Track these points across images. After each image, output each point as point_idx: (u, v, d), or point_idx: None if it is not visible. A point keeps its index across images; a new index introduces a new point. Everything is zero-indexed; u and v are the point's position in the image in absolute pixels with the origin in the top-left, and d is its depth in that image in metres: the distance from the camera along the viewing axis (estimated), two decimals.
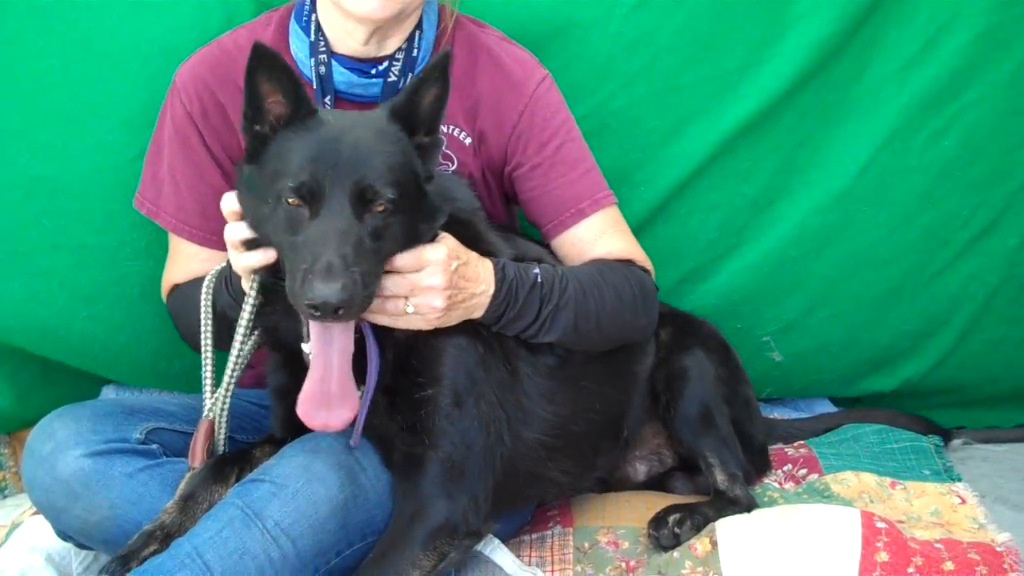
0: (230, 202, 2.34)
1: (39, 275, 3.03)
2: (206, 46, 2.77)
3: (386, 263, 2.26)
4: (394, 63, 2.67)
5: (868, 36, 3.12)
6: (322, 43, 2.65)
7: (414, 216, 2.29)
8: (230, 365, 2.44)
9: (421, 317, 2.33)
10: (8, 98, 2.96)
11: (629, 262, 2.75)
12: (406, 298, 2.30)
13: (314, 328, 2.23)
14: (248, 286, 2.38)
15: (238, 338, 2.42)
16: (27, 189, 2.99)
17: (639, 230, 3.10)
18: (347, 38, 2.64)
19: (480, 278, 2.41)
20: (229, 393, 2.46)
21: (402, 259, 2.28)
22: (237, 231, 2.32)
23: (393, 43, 2.67)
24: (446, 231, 2.39)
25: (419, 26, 2.70)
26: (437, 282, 2.30)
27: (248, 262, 2.31)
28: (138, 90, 2.93)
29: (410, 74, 2.67)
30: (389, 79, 2.67)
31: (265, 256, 2.28)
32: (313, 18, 2.68)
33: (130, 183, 2.86)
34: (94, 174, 2.98)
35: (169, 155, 2.76)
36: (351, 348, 2.24)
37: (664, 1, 3.04)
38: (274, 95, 2.26)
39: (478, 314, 2.44)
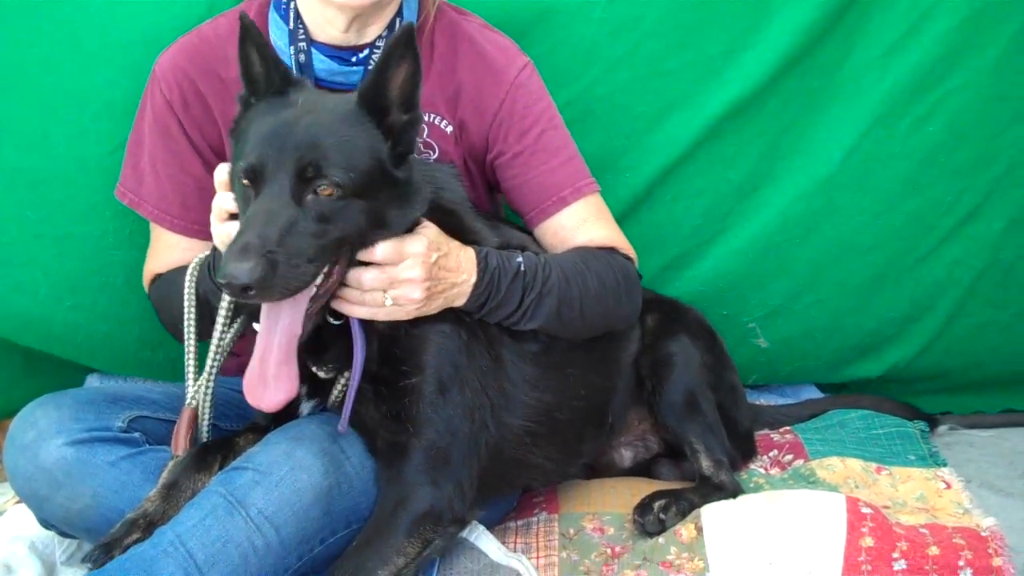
0: (221, 172, 2.34)
1: (22, 265, 3.01)
2: (186, 35, 2.75)
3: (342, 247, 2.22)
4: (375, 51, 2.65)
5: (851, 22, 3.11)
6: (301, 31, 2.63)
7: (378, 201, 2.25)
8: (212, 352, 2.43)
9: (400, 308, 2.33)
10: None
11: (612, 250, 2.74)
12: (384, 291, 2.30)
13: (263, 309, 2.22)
14: None
15: (219, 325, 2.41)
16: (9, 179, 2.97)
17: (624, 217, 3.10)
18: (327, 26, 2.62)
19: (461, 267, 2.40)
20: (212, 380, 2.44)
21: (382, 250, 2.26)
22: (225, 200, 2.31)
23: (373, 31, 2.65)
24: (431, 219, 2.37)
25: (399, 14, 2.68)
26: (416, 274, 2.29)
27: (230, 231, 2.27)
28: (121, 79, 2.91)
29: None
30: (370, 67, 2.64)
31: None
32: (292, 6, 2.65)
33: (113, 172, 2.84)
34: (77, 164, 2.97)
35: (150, 145, 2.75)
36: (297, 331, 2.21)
37: None
38: (262, 68, 2.29)
39: (460, 302, 2.43)
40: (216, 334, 2.41)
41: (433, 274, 2.32)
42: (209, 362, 2.43)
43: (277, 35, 2.67)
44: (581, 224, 2.72)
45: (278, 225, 2.11)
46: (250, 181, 2.20)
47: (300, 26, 2.63)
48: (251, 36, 2.29)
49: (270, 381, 2.20)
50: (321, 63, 2.64)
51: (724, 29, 3.09)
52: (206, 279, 2.48)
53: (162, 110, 2.71)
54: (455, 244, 2.40)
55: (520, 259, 2.50)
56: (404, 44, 2.23)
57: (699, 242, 3.33)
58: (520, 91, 2.72)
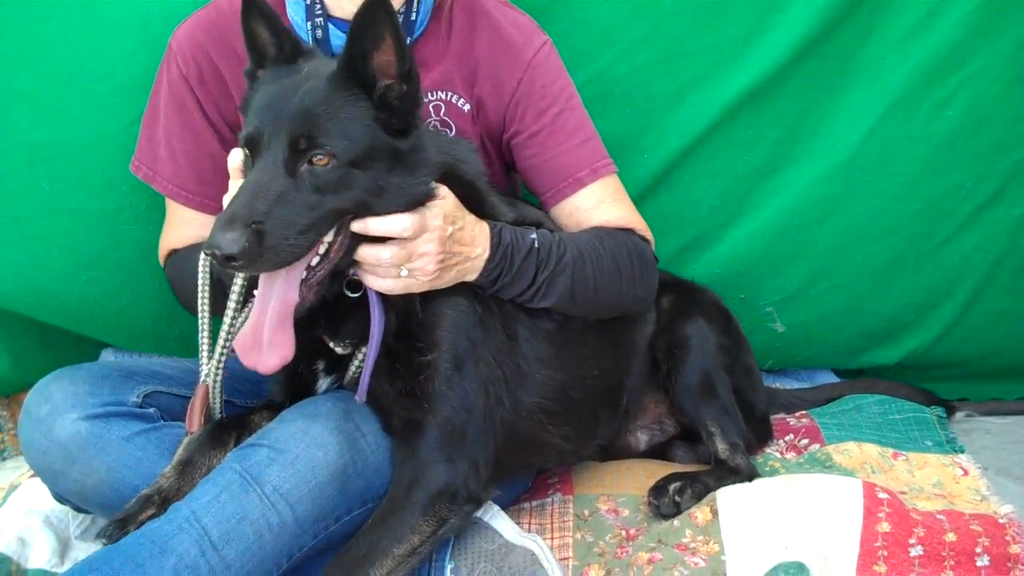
0: (235, 158, 2.33)
1: (38, 239, 3.00)
2: (203, 8, 2.72)
3: (340, 217, 2.20)
4: None
5: (872, 4, 3.09)
6: (318, 6, 2.60)
7: (377, 171, 2.23)
8: (224, 329, 2.41)
9: (414, 280, 2.31)
10: (9, 62, 2.92)
11: (629, 231, 2.71)
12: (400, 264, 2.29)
13: (260, 277, 2.21)
14: None
15: (232, 303, 2.38)
16: (27, 153, 2.96)
17: (641, 198, 3.09)
18: (344, 1, 2.59)
19: (476, 241, 2.38)
20: (223, 356, 2.42)
21: (405, 223, 2.22)
22: (238, 157, 2.31)
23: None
24: (452, 189, 2.35)
25: None
26: (431, 248, 2.27)
27: None
28: (138, 53, 2.89)
29: (408, 38, 2.60)
30: None
31: None
32: None
33: (129, 147, 2.82)
34: (94, 138, 2.95)
35: (165, 120, 2.73)
36: (293, 300, 2.20)
37: None
38: (269, 40, 2.28)
39: (471, 277, 2.41)
40: (229, 312, 2.39)
41: (447, 248, 2.31)
42: (221, 339, 2.41)
43: (294, 10, 2.64)
44: (598, 205, 2.70)
45: (268, 196, 2.11)
46: (249, 151, 2.20)
47: (317, 1, 2.60)
48: (256, 6, 2.28)
49: (265, 346, 2.19)
50: (338, 39, 2.61)
51: (744, 10, 3.07)
52: None
53: (178, 84, 2.69)
54: (471, 218, 2.38)
55: (534, 236, 2.49)
56: (371, 20, 2.17)
57: (717, 224, 3.31)
58: (538, 70, 2.69)
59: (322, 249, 2.20)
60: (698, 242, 3.33)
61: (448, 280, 2.37)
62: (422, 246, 2.26)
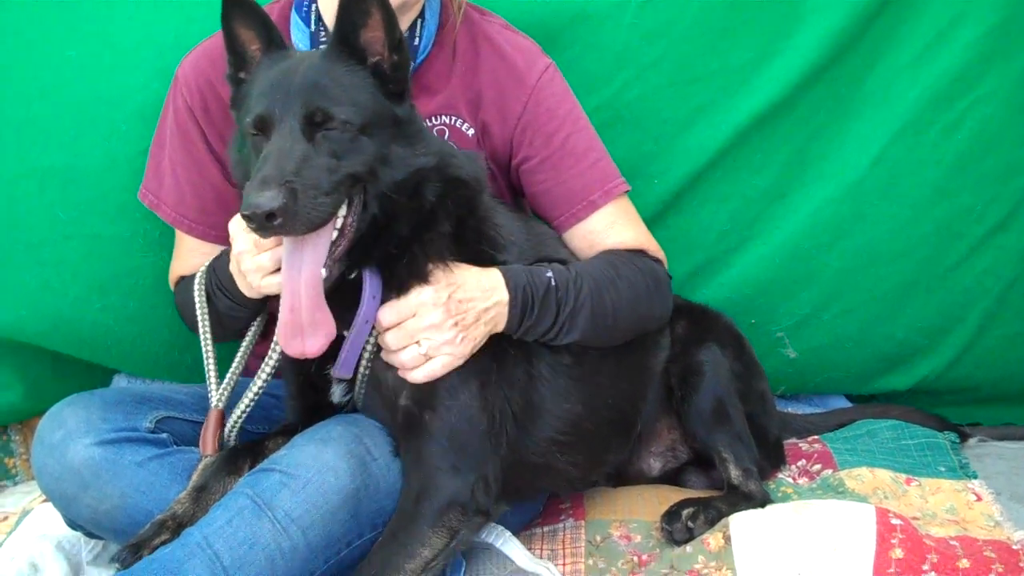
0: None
1: (52, 266, 3.00)
2: (209, 38, 2.73)
3: (355, 184, 2.21)
4: None
5: (880, 30, 3.08)
6: (323, 33, 2.60)
7: (383, 138, 2.25)
8: (237, 359, 2.45)
9: (446, 356, 2.33)
10: (26, 90, 2.94)
11: (641, 252, 2.70)
12: (418, 343, 2.31)
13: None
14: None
15: (254, 325, 2.40)
16: (41, 179, 2.96)
17: (652, 222, 3.05)
18: None
19: (485, 291, 2.38)
20: (234, 380, 2.45)
21: (386, 316, 2.29)
22: (263, 259, 2.31)
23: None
24: (444, 188, 2.34)
25: (421, 15, 2.65)
26: (435, 319, 2.30)
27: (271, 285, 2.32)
28: (152, 81, 2.89)
29: (412, 63, 2.57)
30: None
31: None
32: (313, 8, 2.63)
33: (142, 174, 2.82)
34: (107, 164, 2.95)
35: (171, 149, 2.73)
36: (321, 273, 2.19)
37: None
38: (252, 40, 2.29)
39: (502, 324, 2.41)
40: (245, 341, 2.41)
41: (454, 311, 2.31)
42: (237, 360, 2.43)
43: (298, 37, 2.64)
44: (610, 227, 2.68)
45: (293, 159, 2.12)
46: (259, 130, 2.21)
47: (321, 28, 2.60)
48: (237, 5, 2.28)
49: (306, 328, 2.18)
50: None
51: (753, 35, 3.06)
52: (213, 289, 2.51)
53: (183, 114, 2.70)
54: (471, 273, 2.38)
55: (550, 274, 2.47)
56: None
57: (727, 248, 3.29)
58: (543, 94, 2.67)
59: (338, 224, 2.20)
60: (708, 266, 3.31)
61: (480, 335, 2.38)
62: (423, 321, 2.29)
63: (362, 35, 2.25)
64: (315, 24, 2.62)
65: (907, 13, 3.07)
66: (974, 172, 3.21)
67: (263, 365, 2.43)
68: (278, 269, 2.29)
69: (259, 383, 2.44)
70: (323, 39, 2.60)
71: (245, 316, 2.57)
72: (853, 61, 3.10)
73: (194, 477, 2.38)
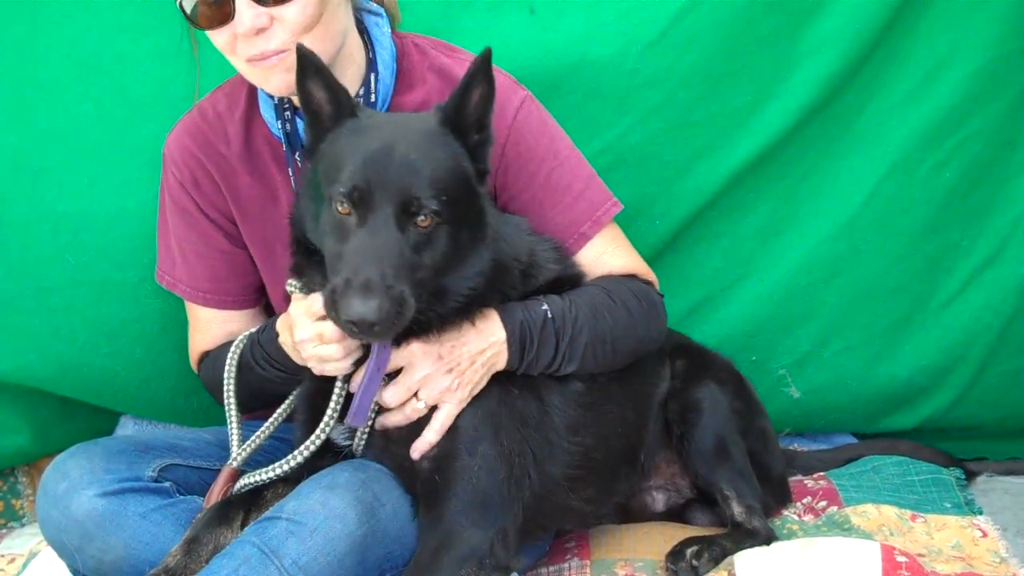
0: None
1: (61, 311, 2.90)
2: (188, 113, 2.63)
3: (435, 279, 2.14)
4: None
5: (870, 72, 3.02)
6: (286, 102, 2.46)
7: (461, 223, 2.16)
8: (269, 423, 2.39)
9: (450, 403, 2.23)
10: (44, 138, 2.87)
11: (632, 276, 2.58)
12: (416, 395, 2.23)
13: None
14: (338, 389, 2.27)
15: (332, 404, 2.28)
16: (53, 225, 2.88)
17: (651, 261, 2.93)
18: None
19: (485, 331, 2.27)
20: (258, 443, 2.38)
21: (390, 397, 2.24)
22: (332, 351, 2.20)
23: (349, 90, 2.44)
24: (493, 274, 2.26)
25: (373, 68, 2.49)
26: (427, 369, 2.21)
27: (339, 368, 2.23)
28: (163, 132, 2.75)
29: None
30: None
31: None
32: None
33: (152, 221, 2.73)
34: (118, 212, 2.87)
35: (173, 227, 2.64)
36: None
37: (677, 40, 2.91)
38: (322, 97, 2.18)
39: (502, 363, 2.30)
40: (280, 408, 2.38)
41: (447, 357, 2.22)
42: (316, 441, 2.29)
43: (265, 108, 2.52)
44: (602, 255, 2.56)
45: (392, 259, 2.02)
46: (351, 208, 2.07)
47: (286, 100, 2.46)
48: (311, 63, 2.15)
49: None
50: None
51: (750, 80, 2.98)
52: (261, 356, 2.40)
53: (177, 192, 2.60)
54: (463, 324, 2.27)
55: (545, 306, 2.35)
56: (484, 68, 2.14)
57: (724, 285, 3.20)
58: (520, 134, 2.50)
59: None
60: (706, 304, 3.21)
61: (480, 379, 2.27)
62: (416, 375, 2.21)
63: (471, 110, 2.17)
64: (277, 96, 2.47)
65: (896, 55, 3.01)
66: (960, 208, 3.14)
67: (298, 451, 2.29)
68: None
69: (288, 465, 2.29)
70: (286, 106, 2.45)
71: (282, 386, 2.45)
72: (844, 103, 3.04)
73: (188, 529, 2.25)
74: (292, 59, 2.20)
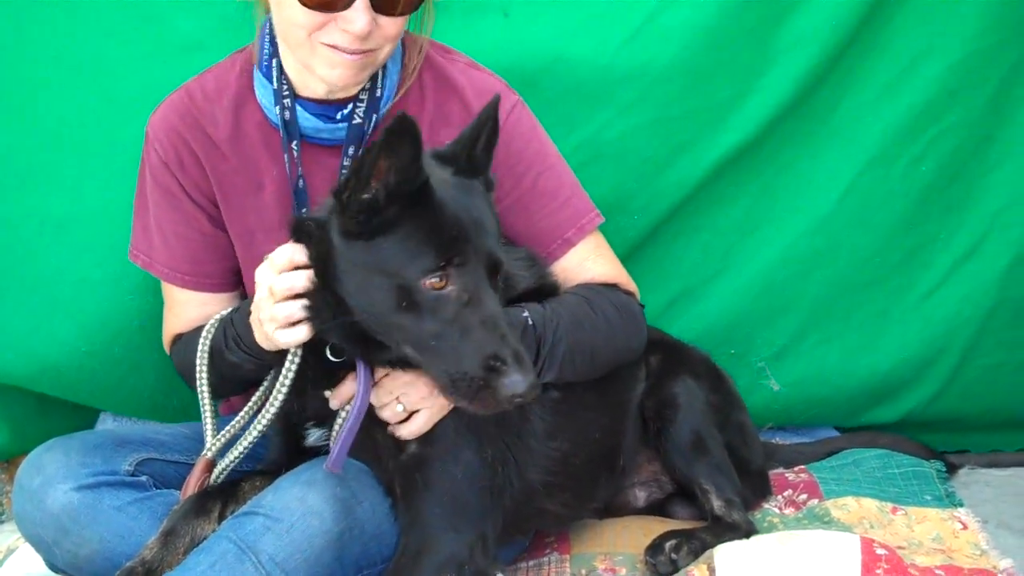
0: (293, 254, 2.10)
1: (43, 308, 2.88)
2: (175, 92, 2.54)
3: None
4: (358, 104, 2.41)
5: (847, 67, 3.01)
6: (286, 88, 2.40)
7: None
8: (242, 414, 2.30)
9: (428, 409, 2.21)
10: (32, 140, 2.88)
11: (613, 286, 2.54)
12: (398, 399, 2.20)
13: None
14: (290, 359, 2.17)
15: (272, 409, 2.22)
16: (39, 223, 2.88)
17: (631, 256, 2.97)
18: (311, 81, 2.39)
19: None
20: (232, 432, 2.29)
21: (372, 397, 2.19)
22: (296, 279, 2.08)
23: (357, 86, 2.42)
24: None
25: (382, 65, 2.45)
26: (407, 375, 2.17)
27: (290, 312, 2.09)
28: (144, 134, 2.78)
29: (374, 115, 2.41)
30: (354, 121, 2.41)
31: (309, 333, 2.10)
32: (275, 63, 2.41)
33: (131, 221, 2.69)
34: (100, 211, 2.85)
35: (154, 206, 2.55)
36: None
37: (654, 36, 2.90)
38: (391, 165, 1.98)
39: None
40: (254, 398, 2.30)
41: None
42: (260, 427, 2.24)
43: (262, 93, 2.45)
44: (584, 262, 2.52)
45: (505, 325, 2.04)
46: (446, 282, 2.01)
47: (284, 83, 2.40)
48: (408, 138, 1.95)
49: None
50: (306, 120, 2.42)
51: (728, 75, 2.97)
52: (231, 335, 2.30)
53: (159, 170, 2.51)
54: None
55: (526, 314, 2.30)
56: (494, 117, 2.14)
57: (702, 279, 3.19)
58: (511, 135, 2.47)
59: None
60: (684, 297, 3.19)
61: None
62: (398, 378, 2.19)
63: (480, 151, 2.16)
64: (277, 81, 2.41)
65: (873, 50, 3.01)
66: (938, 202, 3.13)
67: (256, 420, 2.24)
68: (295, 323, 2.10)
69: (251, 436, 2.24)
70: (285, 93, 2.40)
71: (253, 372, 2.34)
72: (822, 97, 3.03)
73: (164, 521, 2.20)
74: (366, 61, 2.26)
